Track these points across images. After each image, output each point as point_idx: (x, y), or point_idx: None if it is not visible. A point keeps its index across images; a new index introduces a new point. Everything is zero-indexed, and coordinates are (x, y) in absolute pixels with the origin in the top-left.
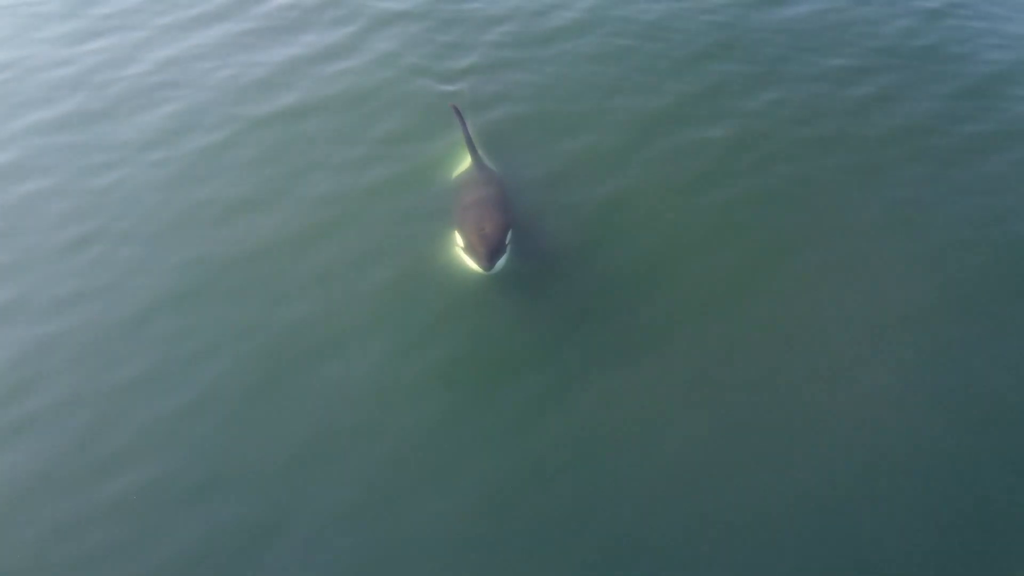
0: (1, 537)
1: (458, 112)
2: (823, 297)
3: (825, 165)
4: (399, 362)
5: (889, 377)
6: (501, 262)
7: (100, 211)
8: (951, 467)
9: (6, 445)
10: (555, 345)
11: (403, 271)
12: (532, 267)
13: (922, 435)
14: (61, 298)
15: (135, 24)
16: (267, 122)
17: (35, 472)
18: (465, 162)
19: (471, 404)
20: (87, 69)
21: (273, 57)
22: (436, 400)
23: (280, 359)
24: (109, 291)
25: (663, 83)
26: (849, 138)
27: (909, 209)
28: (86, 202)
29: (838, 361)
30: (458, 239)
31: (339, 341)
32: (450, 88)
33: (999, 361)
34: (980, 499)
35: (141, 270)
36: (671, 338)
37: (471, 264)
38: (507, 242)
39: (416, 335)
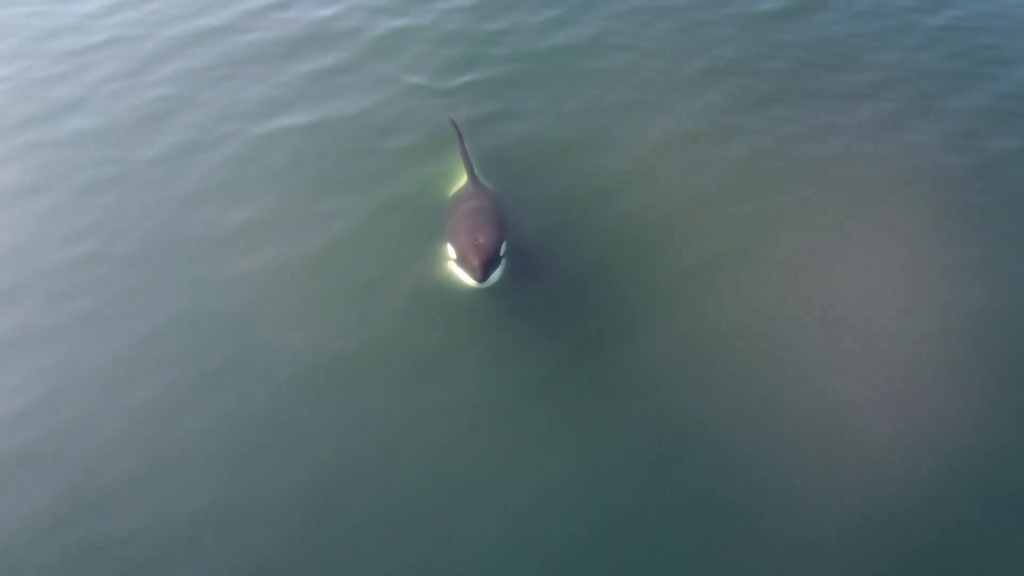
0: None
1: (455, 127)
2: (845, 321)
3: (836, 182)
4: (410, 387)
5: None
6: (496, 275)
7: (102, 230)
8: None
9: (9, 476)
10: (566, 369)
11: (411, 292)
12: (536, 287)
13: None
14: (63, 320)
15: (139, 36)
16: (272, 139)
17: (40, 505)
18: (462, 179)
19: (485, 429)
20: (90, 83)
21: (276, 72)
22: (447, 426)
23: (286, 386)
24: (112, 314)
25: (669, 99)
26: (857, 156)
27: (932, 227)
28: (88, 221)
29: (869, 398)
30: (450, 251)
31: (348, 367)
32: (450, 103)
33: None
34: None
35: (144, 292)
36: (685, 364)
37: (464, 277)
38: (501, 254)
39: (426, 358)
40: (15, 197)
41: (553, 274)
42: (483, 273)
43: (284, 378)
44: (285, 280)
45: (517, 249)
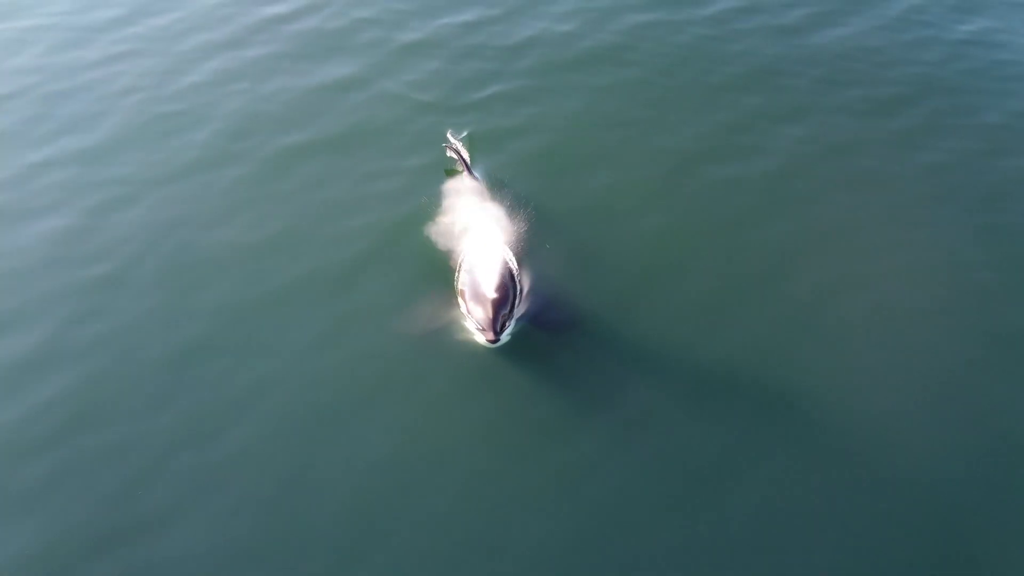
0: None
1: (455, 148)
2: (876, 342)
3: (867, 202)
4: (432, 422)
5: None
6: (508, 333)
7: (119, 251)
8: None
9: (33, 505)
10: (593, 409)
11: (430, 326)
12: (554, 331)
13: None
14: (82, 344)
15: (153, 51)
16: (287, 157)
17: (67, 529)
18: (469, 201)
19: (510, 467)
20: (103, 99)
21: (291, 88)
22: (473, 462)
23: (311, 415)
24: (129, 338)
25: (686, 116)
26: (880, 177)
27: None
28: (105, 241)
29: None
30: (461, 303)
31: (374, 396)
32: (464, 120)
33: None
34: None
35: (164, 316)
36: (708, 397)
37: (476, 335)
38: (514, 309)
39: (447, 395)
40: (30, 217)
41: (571, 319)
42: (495, 336)
43: (307, 406)
44: (306, 304)
45: (533, 289)
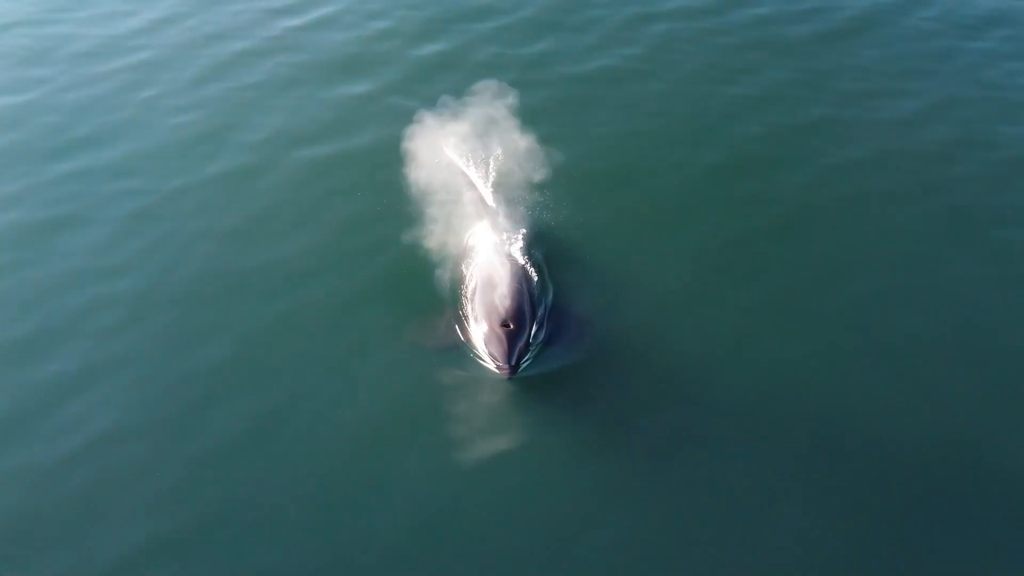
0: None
1: (461, 166)
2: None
3: (914, 214)
4: (467, 443)
5: None
6: (526, 362)
7: (145, 263)
8: None
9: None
10: (622, 424)
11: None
12: (577, 351)
13: None
14: (106, 360)
15: (176, 59)
16: (310, 168)
17: (98, 540)
18: (481, 224)
19: (537, 489)
20: (126, 108)
21: (314, 98)
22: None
23: (343, 436)
24: (149, 366)
25: (708, 127)
26: (905, 191)
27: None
28: (131, 254)
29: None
30: (477, 333)
31: (409, 416)
32: (481, 134)
33: None
34: None
35: (190, 331)
36: (746, 418)
37: (491, 366)
38: (531, 340)
39: (468, 426)
40: (56, 228)
41: (592, 338)
42: (511, 370)
43: (339, 427)
44: (334, 320)
45: (554, 310)
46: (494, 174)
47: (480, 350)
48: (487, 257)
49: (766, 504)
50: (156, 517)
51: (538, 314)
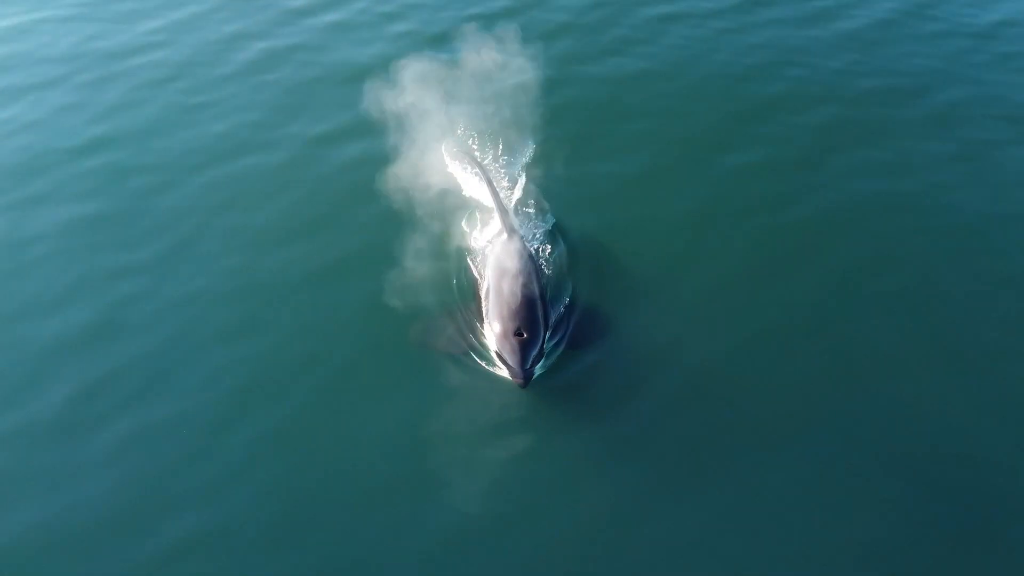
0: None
1: (477, 162)
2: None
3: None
4: (490, 454)
5: None
6: (539, 369)
7: (160, 236)
8: None
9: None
10: (650, 428)
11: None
12: (594, 352)
13: None
14: (129, 362)
15: (204, 61)
16: (340, 174)
17: (122, 495)
18: (494, 224)
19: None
20: (137, 87)
21: (320, 79)
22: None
23: (374, 444)
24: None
25: (723, 133)
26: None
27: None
28: (146, 227)
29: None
30: (490, 339)
31: (422, 435)
32: (487, 113)
33: None
34: None
35: (205, 337)
36: (775, 429)
37: (504, 373)
38: (545, 344)
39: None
40: (72, 201)
41: (613, 340)
42: (525, 378)
43: (372, 439)
44: (351, 323)
45: (571, 313)
46: (513, 174)
47: (493, 357)
48: (502, 260)
49: (796, 508)
50: (185, 516)
51: (552, 319)
